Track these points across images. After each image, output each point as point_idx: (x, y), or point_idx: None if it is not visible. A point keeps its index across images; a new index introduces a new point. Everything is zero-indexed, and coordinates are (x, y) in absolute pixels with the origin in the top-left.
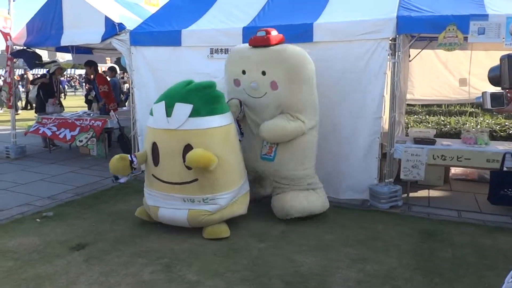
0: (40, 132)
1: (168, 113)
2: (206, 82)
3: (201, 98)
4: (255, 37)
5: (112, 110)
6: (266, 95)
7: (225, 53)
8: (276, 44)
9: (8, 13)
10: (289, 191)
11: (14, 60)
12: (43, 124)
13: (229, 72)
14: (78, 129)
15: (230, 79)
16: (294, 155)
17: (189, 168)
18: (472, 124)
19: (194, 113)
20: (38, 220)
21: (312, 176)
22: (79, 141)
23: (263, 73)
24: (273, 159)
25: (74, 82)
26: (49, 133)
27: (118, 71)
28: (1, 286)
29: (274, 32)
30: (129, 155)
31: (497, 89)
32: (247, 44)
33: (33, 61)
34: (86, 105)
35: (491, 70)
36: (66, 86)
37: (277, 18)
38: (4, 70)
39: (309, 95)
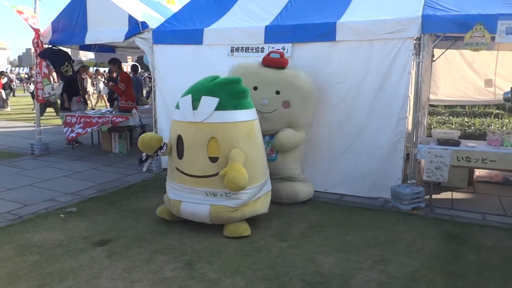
0: (69, 137)
1: (194, 106)
2: (232, 77)
3: (227, 92)
4: (270, 58)
5: (134, 108)
6: (276, 111)
7: (245, 52)
8: (286, 66)
9: (34, 12)
10: (294, 182)
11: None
12: (70, 124)
13: None
14: (99, 125)
15: None
16: (295, 157)
17: (213, 161)
18: (498, 125)
19: (219, 107)
20: (62, 215)
21: (302, 171)
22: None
23: (277, 92)
24: (276, 159)
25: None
26: (75, 135)
27: (139, 70)
28: (27, 279)
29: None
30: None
31: None
32: (254, 61)
33: (61, 60)
34: (108, 103)
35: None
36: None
37: (299, 17)
38: (28, 68)
39: (312, 112)
